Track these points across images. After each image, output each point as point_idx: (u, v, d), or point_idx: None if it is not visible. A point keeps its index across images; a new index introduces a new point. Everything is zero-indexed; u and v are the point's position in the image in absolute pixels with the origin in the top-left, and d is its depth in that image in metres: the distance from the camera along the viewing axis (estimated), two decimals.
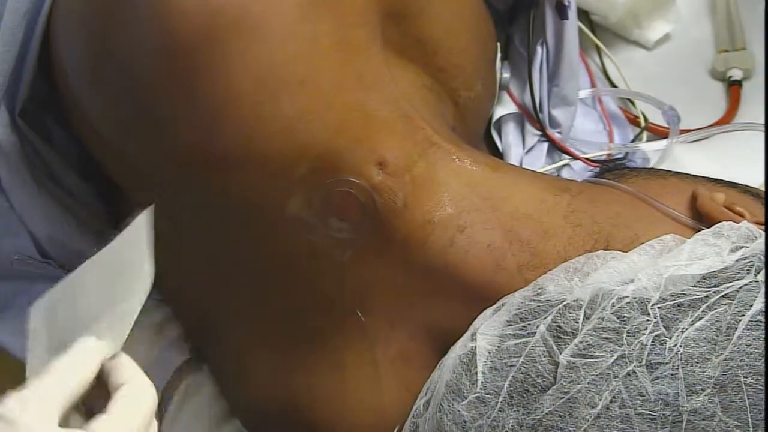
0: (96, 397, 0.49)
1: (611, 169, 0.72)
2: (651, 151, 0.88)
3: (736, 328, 0.51)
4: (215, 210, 0.61)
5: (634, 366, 0.52)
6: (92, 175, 0.74)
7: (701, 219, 0.59)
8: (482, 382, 0.55)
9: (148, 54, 0.54)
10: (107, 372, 0.50)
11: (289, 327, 0.65)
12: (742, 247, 0.54)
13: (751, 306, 0.51)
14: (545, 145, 0.86)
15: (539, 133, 0.86)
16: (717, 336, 0.51)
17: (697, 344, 0.51)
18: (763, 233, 0.56)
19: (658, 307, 0.53)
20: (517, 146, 0.86)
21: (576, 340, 0.53)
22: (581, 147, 0.89)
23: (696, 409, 0.50)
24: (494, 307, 0.58)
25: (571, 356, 0.53)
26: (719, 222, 0.57)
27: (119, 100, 0.58)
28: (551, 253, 0.59)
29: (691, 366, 0.51)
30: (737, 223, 0.57)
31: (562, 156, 0.86)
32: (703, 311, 0.52)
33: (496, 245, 0.59)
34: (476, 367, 0.56)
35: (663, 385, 0.51)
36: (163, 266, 0.69)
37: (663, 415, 0.50)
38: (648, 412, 0.51)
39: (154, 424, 0.50)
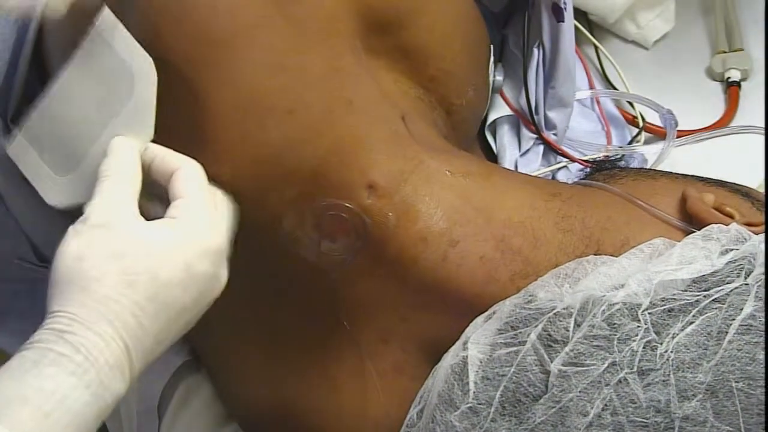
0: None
1: (601, 169, 0.71)
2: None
3: (727, 333, 0.51)
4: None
5: (626, 373, 0.51)
6: None
7: (691, 220, 0.59)
8: (474, 392, 0.55)
9: None
10: (148, 163, 0.54)
11: (282, 338, 0.65)
12: (732, 249, 0.54)
13: (741, 310, 0.51)
14: (541, 147, 0.86)
15: (535, 135, 0.85)
16: (708, 341, 0.51)
17: (688, 349, 0.51)
18: (753, 235, 0.55)
19: (649, 313, 0.52)
20: (512, 148, 0.86)
21: (567, 349, 0.53)
22: (579, 148, 0.88)
23: (688, 415, 0.50)
24: (485, 314, 0.58)
25: (562, 365, 0.52)
26: (709, 224, 0.57)
27: None
28: (543, 260, 0.59)
29: (683, 372, 0.50)
30: (727, 224, 0.56)
31: (558, 158, 0.86)
32: (693, 316, 0.52)
33: (488, 257, 0.59)
34: (468, 376, 0.55)
35: (654, 391, 0.50)
36: None
37: (655, 422, 0.50)
38: (640, 419, 0.50)
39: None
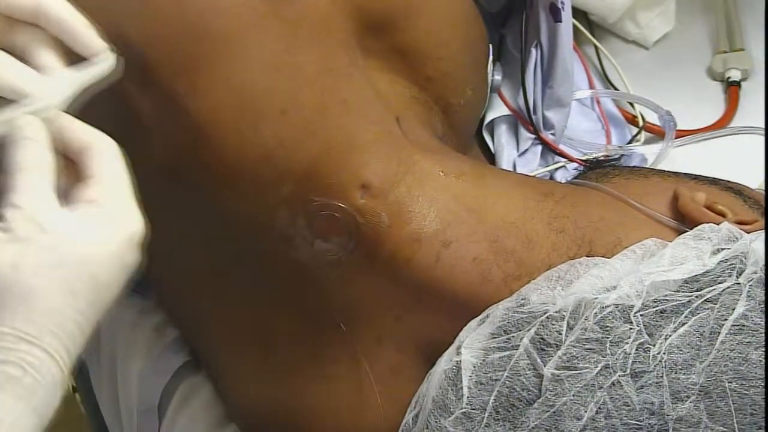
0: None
1: (594, 168, 0.71)
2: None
3: (719, 333, 0.50)
4: (204, 221, 0.61)
5: (619, 376, 0.51)
6: None
7: (684, 219, 0.59)
8: (468, 397, 0.54)
9: (129, 72, 0.55)
10: (59, 138, 0.49)
11: (278, 338, 0.65)
12: (723, 248, 0.53)
13: (734, 310, 0.51)
14: (539, 147, 0.86)
15: (533, 135, 0.85)
16: (700, 342, 0.50)
17: (681, 351, 0.50)
18: (744, 233, 0.55)
19: (641, 315, 0.52)
20: (510, 148, 0.86)
21: (560, 352, 0.52)
22: (579, 147, 0.88)
23: (682, 416, 0.49)
24: (479, 318, 0.57)
25: (555, 368, 0.52)
26: (701, 223, 0.56)
27: (102, 105, 0.58)
28: (536, 261, 0.58)
29: (676, 373, 0.50)
30: (718, 223, 0.56)
31: (556, 158, 0.85)
32: (686, 317, 0.51)
33: (481, 258, 0.58)
34: (462, 381, 0.55)
35: (648, 393, 0.50)
36: (156, 269, 0.70)
37: (649, 424, 0.49)
38: (634, 421, 0.50)
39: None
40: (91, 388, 0.85)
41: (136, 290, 0.80)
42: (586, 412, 0.51)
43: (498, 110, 0.87)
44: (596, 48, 0.98)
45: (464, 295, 0.58)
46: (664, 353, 0.50)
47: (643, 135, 0.91)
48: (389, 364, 0.62)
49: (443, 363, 0.57)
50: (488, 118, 0.87)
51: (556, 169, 0.85)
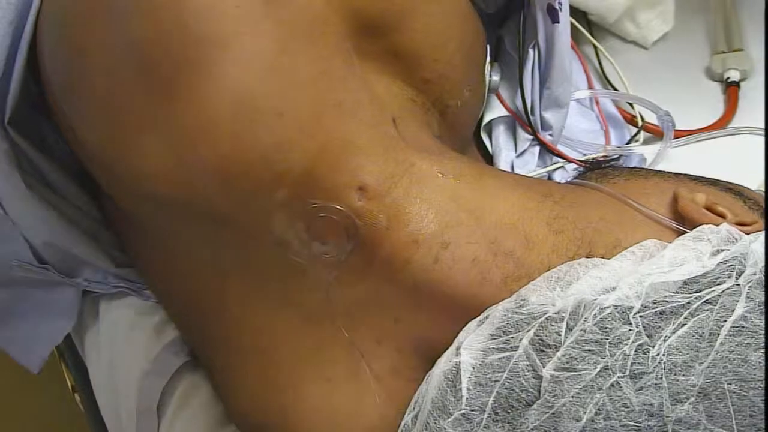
0: None
1: (594, 168, 0.71)
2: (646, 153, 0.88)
3: (719, 334, 0.50)
4: (201, 223, 0.61)
5: (618, 377, 0.51)
6: (86, 179, 0.75)
7: (683, 220, 0.59)
8: (467, 398, 0.54)
9: (125, 74, 0.55)
10: None
11: (276, 339, 0.65)
12: (723, 250, 0.53)
13: (733, 311, 0.51)
14: (537, 148, 0.86)
15: (531, 136, 0.85)
16: (700, 343, 0.50)
17: (680, 352, 0.50)
18: (744, 235, 0.55)
19: (640, 316, 0.52)
20: (508, 149, 0.86)
21: (559, 353, 0.52)
22: (577, 147, 0.88)
23: (681, 418, 0.49)
24: (478, 319, 0.57)
25: (555, 370, 0.52)
26: (700, 224, 0.56)
27: (97, 113, 0.58)
28: (535, 262, 0.58)
29: (675, 375, 0.50)
30: (718, 224, 0.56)
31: (554, 158, 0.85)
32: (685, 318, 0.51)
33: (480, 258, 0.58)
34: (461, 383, 0.55)
35: (647, 395, 0.50)
36: (156, 269, 0.70)
37: (648, 425, 0.50)
38: (633, 423, 0.50)
39: None
40: (91, 388, 0.85)
41: (136, 290, 0.80)
42: (585, 413, 0.51)
43: (496, 111, 0.87)
44: (595, 48, 0.98)
45: (463, 296, 0.58)
46: (663, 354, 0.50)
47: (642, 135, 0.91)
48: (388, 365, 0.63)
49: (442, 364, 0.57)
50: (486, 119, 0.87)
51: (555, 169, 0.85)
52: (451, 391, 0.55)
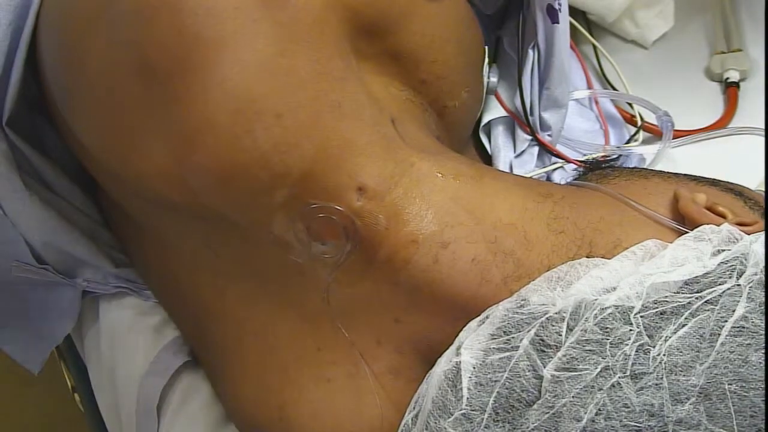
0: None
1: (594, 168, 0.71)
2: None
3: (719, 335, 0.50)
4: (200, 223, 0.61)
5: (618, 377, 0.51)
6: (86, 179, 0.75)
7: (683, 220, 0.58)
8: (467, 398, 0.54)
9: (124, 76, 0.55)
10: None
11: (277, 340, 0.65)
12: (724, 250, 0.53)
13: (734, 311, 0.50)
14: (536, 148, 0.86)
15: (529, 136, 0.85)
16: (700, 343, 0.50)
17: (681, 352, 0.50)
18: (745, 235, 0.55)
19: (641, 316, 0.52)
20: (507, 150, 0.86)
21: (559, 354, 0.52)
22: (577, 147, 0.88)
23: (681, 418, 0.49)
24: (479, 319, 0.57)
25: (555, 370, 0.52)
26: (701, 224, 0.56)
27: (96, 114, 0.58)
28: (535, 262, 0.58)
29: (675, 375, 0.50)
30: (718, 224, 0.56)
31: (553, 159, 0.85)
32: (686, 318, 0.51)
33: (480, 258, 0.58)
34: (461, 382, 0.55)
35: (648, 395, 0.50)
36: (156, 269, 0.70)
37: (648, 425, 0.49)
38: (633, 423, 0.50)
39: None
40: (91, 388, 0.85)
41: (136, 291, 0.80)
42: (585, 413, 0.51)
43: (495, 112, 0.86)
44: (594, 47, 0.98)
45: (463, 295, 0.58)
46: (664, 355, 0.50)
47: (642, 135, 0.91)
48: (388, 365, 0.63)
49: (443, 364, 0.57)
50: (485, 120, 0.87)
51: (554, 170, 0.85)
52: (451, 391, 0.55)
